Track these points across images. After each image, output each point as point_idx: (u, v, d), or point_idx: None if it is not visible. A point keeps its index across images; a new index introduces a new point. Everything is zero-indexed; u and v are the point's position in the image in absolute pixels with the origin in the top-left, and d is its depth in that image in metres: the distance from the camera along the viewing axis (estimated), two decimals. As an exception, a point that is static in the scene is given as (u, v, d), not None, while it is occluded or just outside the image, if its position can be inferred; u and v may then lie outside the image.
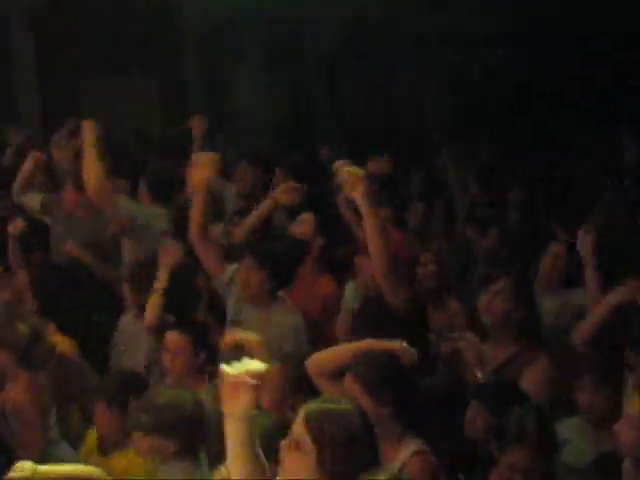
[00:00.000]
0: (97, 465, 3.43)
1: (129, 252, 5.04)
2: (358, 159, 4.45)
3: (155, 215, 5.13)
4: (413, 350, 3.18)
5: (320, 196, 5.96)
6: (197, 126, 6.27)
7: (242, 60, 10.99)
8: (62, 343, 4.22)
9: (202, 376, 3.83)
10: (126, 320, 4.57)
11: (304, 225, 4.78)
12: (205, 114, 6.76)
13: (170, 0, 10.86)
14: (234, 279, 4.29)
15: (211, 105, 10.88)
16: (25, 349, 3.79)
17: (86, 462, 3.56)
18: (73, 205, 5.27)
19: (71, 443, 3.78)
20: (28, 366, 3.77)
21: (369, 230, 3.65)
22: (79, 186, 5.09)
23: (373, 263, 3.73)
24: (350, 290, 4.56)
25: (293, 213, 5.12)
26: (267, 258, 4.20)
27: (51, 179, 6.21)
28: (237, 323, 4.23)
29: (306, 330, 4.23)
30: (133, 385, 3.66)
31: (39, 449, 3.55)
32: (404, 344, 3.17)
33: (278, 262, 4.28)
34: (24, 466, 2.42)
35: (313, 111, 10.51)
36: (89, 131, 4.88)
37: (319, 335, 4.28)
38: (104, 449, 3.65)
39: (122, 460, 3.54)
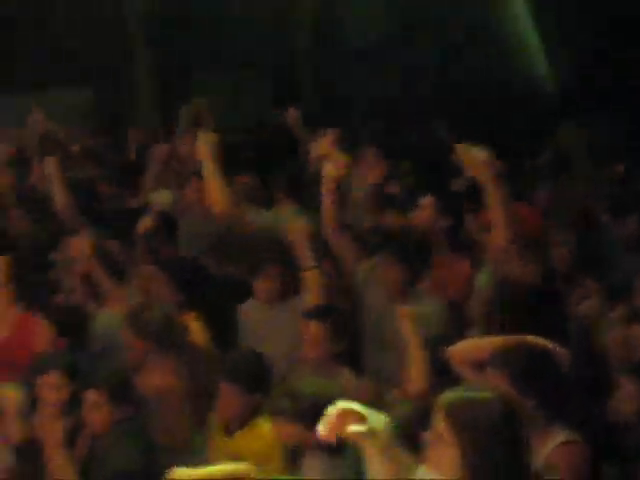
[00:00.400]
0: (222, 445, 3.62)
1: None
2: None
3: (284, 218, 4.97)
4: (564, 351, 3.03)
5: (440, 176, 5.87)
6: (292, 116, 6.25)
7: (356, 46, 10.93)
8: (197, 330, 4.24)
9: (341, 366, 3.82)
10: (253, 307, 4.51)
11: (426, 209, 4.73)
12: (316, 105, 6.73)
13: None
14: (370, 275, 4.30)
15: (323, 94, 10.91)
16: (160, 335, 3.84)
17: (212, 443, 3.72)
18: (195, 201, 5.30)
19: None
20: (166, 352, 3.82)
21: (493, 207, 3.73)
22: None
23: (497, 237, 3.76)
24: (485, 275, 4.34)
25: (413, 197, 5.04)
26: (403, 254, 4.19)
27: (178, 176, 6.25)
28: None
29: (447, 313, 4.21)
30: (256, 365, 3.65)
31: (182, 435, 3.66)
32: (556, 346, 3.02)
33: (413, 256, 4.26)
34: (181, 472, 2.41)
35: (427, 94, 10.40)
36: (205, 144, 4.74)
37: (458, 317, 4.20)
38: (229, 429, 3.64)
39: (246, 439, 3.55)
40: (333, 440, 2.14)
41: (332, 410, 2.15)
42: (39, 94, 9.81)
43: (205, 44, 10.91)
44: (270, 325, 4.36)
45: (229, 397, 3.55)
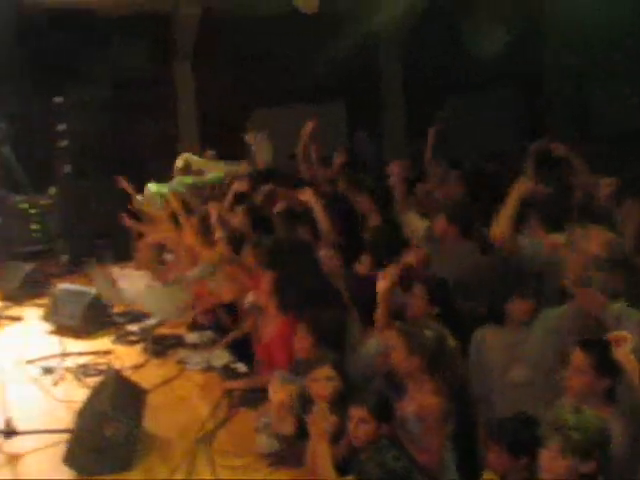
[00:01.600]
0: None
1: None
2: None
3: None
4: None
5: None
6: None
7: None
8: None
9: (606, 403, 3.66)
10: (497, 331, 4.51)
11: None
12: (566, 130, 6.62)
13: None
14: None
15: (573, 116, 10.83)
16: (432, 354, 3.97)
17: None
18: (442, 234, 5.47)
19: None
20: (434, 371, 3.94)
21: None
22: (450, 219, 5.35)
23: None
24: None
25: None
26: None
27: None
28: None
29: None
30: (529, 429, 3.56)
31: (439, 456, 3.74)
32: None
33: None
34: None
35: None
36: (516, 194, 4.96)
37: None
38: None
39: None
40: None
41: None
42: (296, 106, 10.63)
43: (454, 64, 11.26)
44: (519, 348, 4.34)
45: (498, 460, 3.60)
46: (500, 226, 4.95)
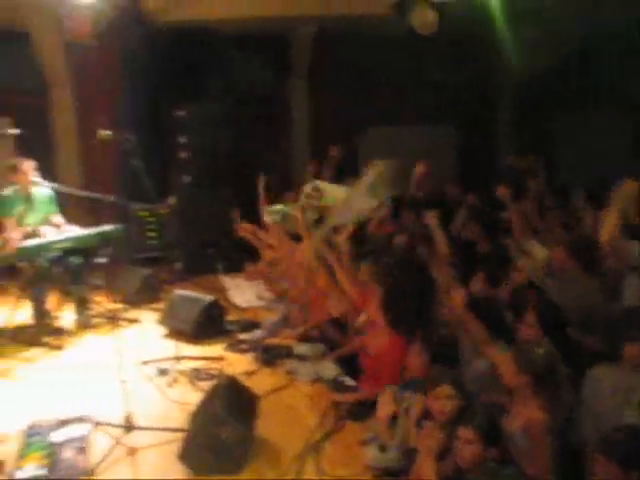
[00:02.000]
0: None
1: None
2: None
3: None
4: None
5: None
6: None
7: None
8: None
9: None
10: (611, 372, 4.39)
11: None
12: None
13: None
14: None
15: None
16: (541, 372, 4.01)
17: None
18: (561, 264, 5.47)
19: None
20: (542, 389, 3.98)
21: None
22: (570, 251, 5.35)
23: None
24: None
25: None
26: None
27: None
28: None
29: None
30: (635, 442, 3.53)
31: (547, 469, 3.75)
32: None
33: None
34: None
35: None
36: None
37: None
38: None
39: None
40: None
41: None
42: (408, 126, 10.78)
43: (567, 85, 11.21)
44: (633, 394, 4.20)
45: (606, 471, 3.53)
46: (606, 232, 5.10)
